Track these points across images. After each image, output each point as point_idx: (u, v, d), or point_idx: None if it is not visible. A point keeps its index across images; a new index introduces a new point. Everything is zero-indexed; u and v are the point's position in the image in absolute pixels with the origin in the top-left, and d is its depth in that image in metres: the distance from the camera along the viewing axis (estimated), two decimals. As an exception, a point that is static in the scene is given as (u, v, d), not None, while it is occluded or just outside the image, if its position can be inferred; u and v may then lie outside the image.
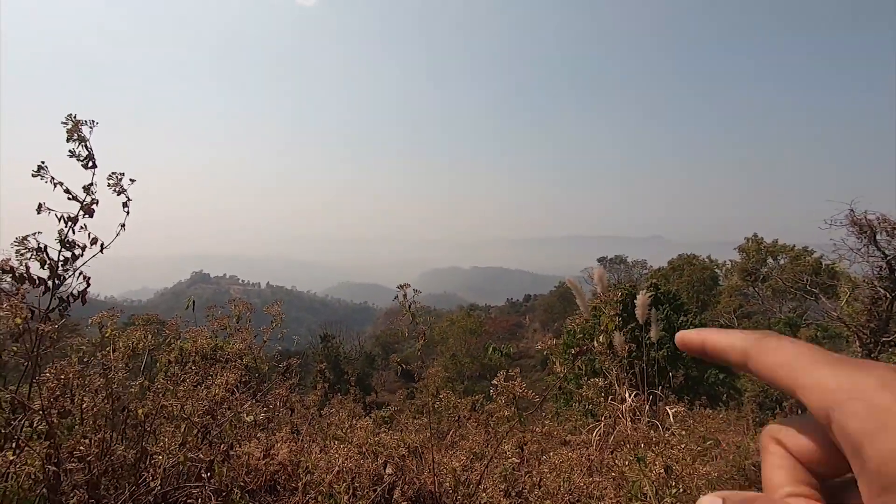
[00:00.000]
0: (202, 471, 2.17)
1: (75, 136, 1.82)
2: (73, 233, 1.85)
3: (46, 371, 1.79)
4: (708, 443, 3.70)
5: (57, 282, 1.83)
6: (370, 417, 4.68)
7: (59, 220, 1.81)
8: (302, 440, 3.15)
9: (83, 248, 1.88)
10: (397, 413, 5.48)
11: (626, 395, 3.83)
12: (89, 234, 1.89)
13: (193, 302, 3.74)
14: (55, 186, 1.78)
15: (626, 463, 2.65)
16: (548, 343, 2.66)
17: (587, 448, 3.52)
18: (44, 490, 1.73)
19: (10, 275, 1.69)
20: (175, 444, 2.16)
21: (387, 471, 2.64)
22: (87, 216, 1.87)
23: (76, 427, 1.94)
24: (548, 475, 2.81)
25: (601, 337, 2.67)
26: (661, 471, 2.42)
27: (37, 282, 1.77)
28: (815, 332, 17.06)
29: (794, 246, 24.64)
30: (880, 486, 0.24)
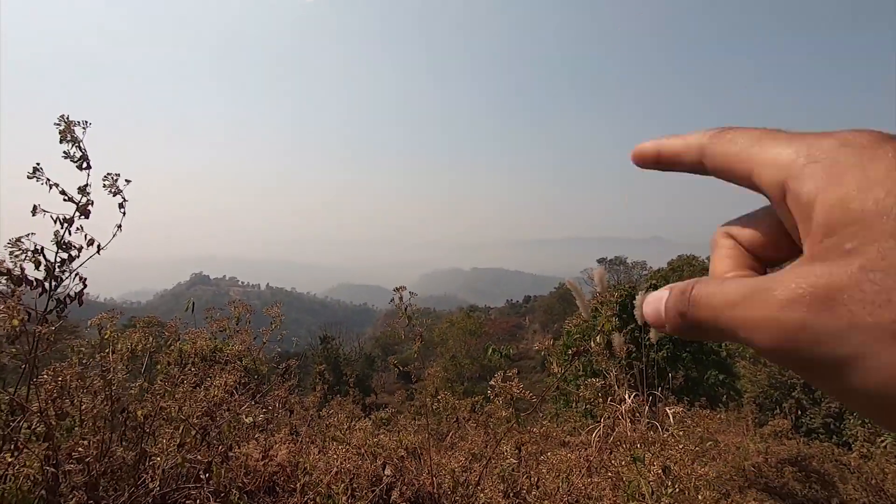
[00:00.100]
0: (201, 472, 2.17)
1: (68, 138, 1.83)
2: (70, 234, 1.85)
3: (44, 373, 1.79)
4: (707, 443, 3.70)
5: (54, 283, 1.83)
6: (370, 419, 4.68)
7: (55, 222, 1.81)
8: (301, 441, 3.15)
9: (79, 250, 1.88)
10: (396, 414, 5.49)
11: (626, 396, 3.84)
12: (86, 236, 1.89)
13: (193, 303, 3.75)
14: (51, 188, 1.78)
15: (623, 463, 2.65)
16: (545, 344, 2.66)
17: (586, 449, 3.52)
18: (42, 492, 1.73)
19: (7, 276, 1.69)
20: (174, 446, 2.17)
21: (385, 472, 2.64)
22: (83, 217, 1.88)
23: (75, 429, 1.94)
24: (546, 476, 2.81)
25: (598, 337, 2.67)
26: (659, 471, 2.43)
27: (34, 283, 1.78)
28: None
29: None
30: (823, 233, 0.23)
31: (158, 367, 2.75)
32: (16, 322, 1.65)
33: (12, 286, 1.72)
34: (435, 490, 2.63)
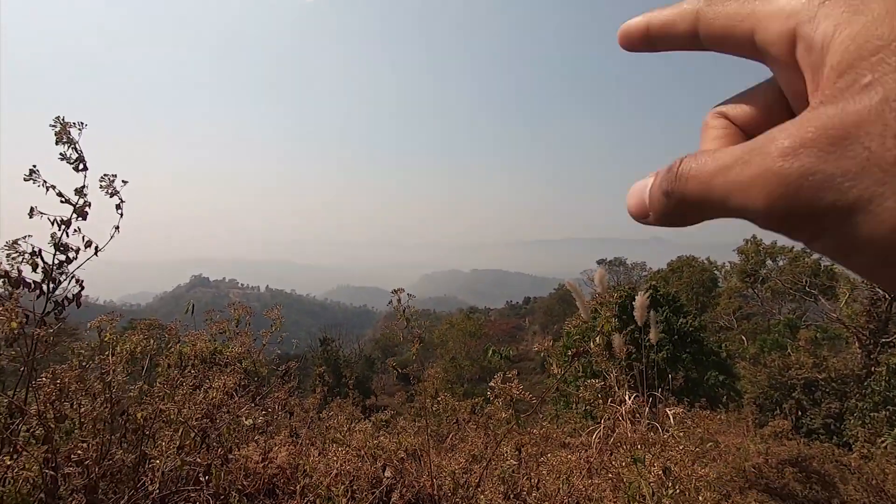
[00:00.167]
0: (200, 474, 2.17)
1: (64, 139, 1.82)
2: (67, 236, 1.85)
3: (43, 375, 1.79)
4: (707, 444, 3.70)
5: (52, 285, 1.83)
6: (369, 420, 4.67)
7: (52, 224, 1.81)
8: (301, 443, 3.15)
9: (77, 252, 1.88)
10: (396, 416, 5.48)
11: (626, 397, 3.83)
12: (83, 237, 1.89)
13: (193, 306, 3.76)
14: (47, 190, 1.78)
15: (624, 464, 2.65)
16: (545, 345, 2.66)
17: (586, 450, 3.51)
18: (42, 494, 1.73)
19: (5, 279, 1.69)
20: (173, 448, 2.16)
21: (385, 474, 2.64)
22: (80, 219, 1.87)
23: (75, 431, 1.94)
24: (546, 477, 2.81)
25: (597, 338, 2.67)
26: (660, 472, 2.42)
27: (32, 286, 1.78)
28: (815, 334, 17.08)
29: (794, 247, 24.66)
30: (837, 74, 0.20)
31: (158, 369, 2.75)
32: (14, 324, 1.65)
33: (10, 288, 1.72)
34: (435, 492, 2.62)
